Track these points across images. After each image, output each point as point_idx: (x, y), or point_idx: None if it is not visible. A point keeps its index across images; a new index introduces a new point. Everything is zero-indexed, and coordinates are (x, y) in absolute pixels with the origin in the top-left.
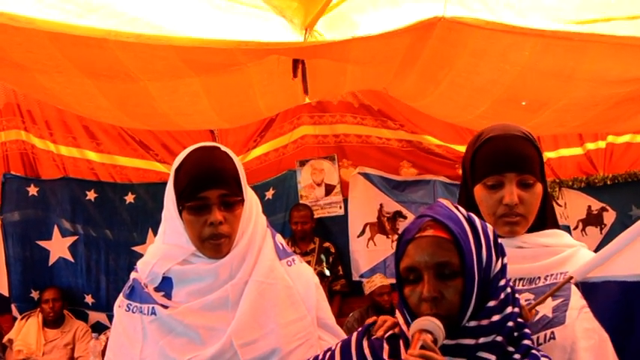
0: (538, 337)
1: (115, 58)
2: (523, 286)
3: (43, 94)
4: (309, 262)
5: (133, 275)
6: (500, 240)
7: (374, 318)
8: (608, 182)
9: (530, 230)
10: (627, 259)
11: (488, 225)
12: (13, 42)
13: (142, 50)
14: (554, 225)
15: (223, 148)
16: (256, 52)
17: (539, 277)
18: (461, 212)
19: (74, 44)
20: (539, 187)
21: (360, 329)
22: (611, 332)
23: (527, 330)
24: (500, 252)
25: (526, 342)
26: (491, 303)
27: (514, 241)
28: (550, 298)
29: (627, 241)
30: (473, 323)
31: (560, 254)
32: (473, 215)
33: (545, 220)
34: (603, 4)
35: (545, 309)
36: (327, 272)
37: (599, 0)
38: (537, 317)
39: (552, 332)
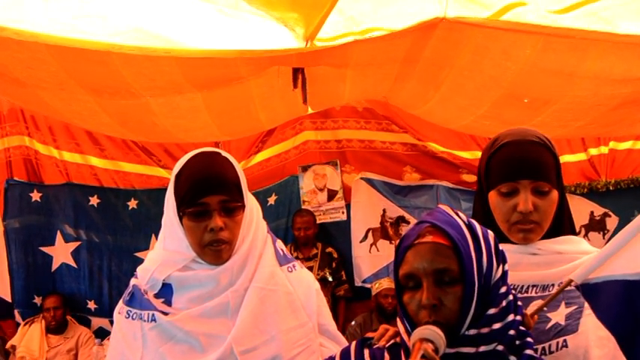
0: (550, 345)
1: (118, 74)
2: (536, 293)
3: (45, 109)
4: (311, 268)
5: (132, 281)
6: (514, 247)
7: (374, 334)
8: (611, 188)
9: (547, 236)
10: (628, 257)
11: (489, 231)
12: (15, 58)
13: (145, 65)
14: (571, 231)
15: (224, 153)
16: (258, 63)
17: (552, 285)
18: (461, 218)
19: (77, 60)
20: (554, 194)
21: (359, 339)
22: (616, 332)
23: (529, 339)
24: (501, 259)
25: (528, 351)
26: (492, 310)
27: (528, 247)
28: (563, 306)
29: (626, 239)
30: (473, 331)
31: (574, 261)
32: (473, 221)
33: (562, 226)
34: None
35: (558, 316)
36: (330, 278)
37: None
38: (550, 325)
39: (565, 340)
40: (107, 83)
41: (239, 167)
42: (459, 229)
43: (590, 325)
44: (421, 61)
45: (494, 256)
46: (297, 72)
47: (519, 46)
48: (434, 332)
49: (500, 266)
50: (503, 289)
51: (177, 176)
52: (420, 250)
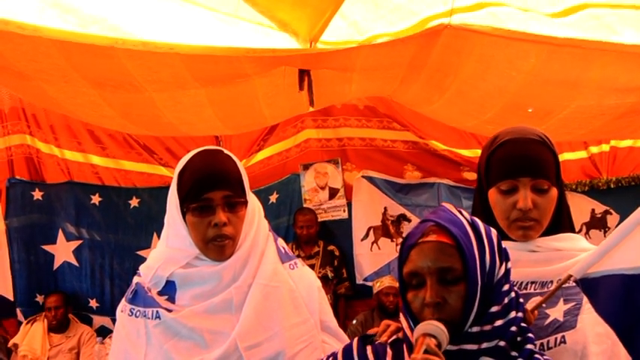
0: (548, 341)
1: (122, 67)
2: (535, 289)
3: (48, 102)
4: (313, 266)
5: (135, 279)
6: (513, 244)
7: (376, 329)
8: (612, 186)
9: (545, 234)
10: (625, 251)
11: (492, 229)
12: (18, 51)
13: (148, 58)
14: (570, 229)
15: (226, 151)
16: (263, 63)
17: (551, 281)
18: (464, 217)
19: (81, 53)
20: (553, 192)
21: (360, 336)
22: (615, 326)
23: (530, 335)
24: (504, 257)
25: (529, 346)
26: (494, 308)
27: (528, 245)
28: (562, 302)
29: (624, 234)
30: (476, 329)
31: (573, 258)
32: (477, 220)
33: (561, 223)
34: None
35: (557, 313)
36: (330, 275)
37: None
38: (548, 321)
39: (563, 336)
40: (111, 76)
41: (241, 165)
42: (463, 227)
43: (589, 321)
44: (426, 67)
45: (497, 254)
46: (304, 74)
47: (524, 56)
48: (437, 328)
49: (503, 264)
50: (505, 287)
51: (181, 173)
52: (424, 248)
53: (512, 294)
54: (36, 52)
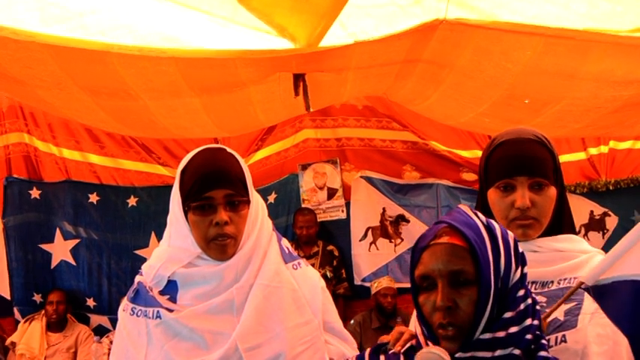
0: (549, 340)
1: (116, 75)
2: (535, 289)
3: (45, 105)
4: (312, 265)
5: (137, 279)
6: None
7: (388, 337)
8: (611, 187)
9: (547, 234)
10: (636, 257)
11: (510, 232)
12: (13, 57)
13: (143, 65)
14: (571, 230)
15: (229, 150)
16: (258, 69)
17: (552, 281)
18: (480, 219)
19: (76, 60)
20: (552, 191)
21: (373, 346)
22: (628, 332)
23: (544, 341)
24: (521, 261)
25: (543, 353)
26: (508, 314)
27: (529, 245)
28: None
29: (634, 240)
30: (488, 335)
31: (574, 259)
32: (493, 222)
33: (562, 224)
34: (608, 13)
35: (557, 312)
36: (329, 275)
37: (604, 9)
38: (549, 320)
39: (564, 335)
40: (105, 84)
41: (244, 164)
42: (477, 230)
43: (588, 321)
44: (421, 61)
45: (513, 257)
46: (298, 79)
47: (519, 48)
48: (437, 356)
49: (519, 268)
50: (521, 292)
51: (183, 172)
52: (436, 251)
53: (529, 300)
54: (30, 59)
